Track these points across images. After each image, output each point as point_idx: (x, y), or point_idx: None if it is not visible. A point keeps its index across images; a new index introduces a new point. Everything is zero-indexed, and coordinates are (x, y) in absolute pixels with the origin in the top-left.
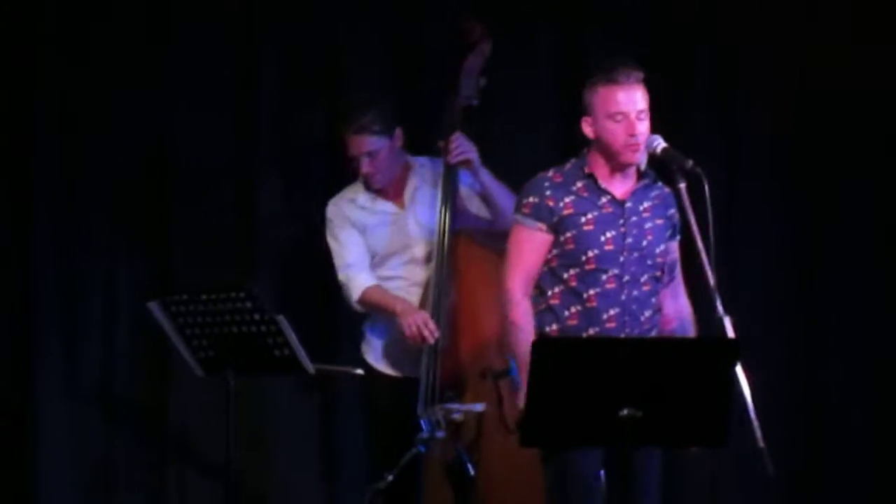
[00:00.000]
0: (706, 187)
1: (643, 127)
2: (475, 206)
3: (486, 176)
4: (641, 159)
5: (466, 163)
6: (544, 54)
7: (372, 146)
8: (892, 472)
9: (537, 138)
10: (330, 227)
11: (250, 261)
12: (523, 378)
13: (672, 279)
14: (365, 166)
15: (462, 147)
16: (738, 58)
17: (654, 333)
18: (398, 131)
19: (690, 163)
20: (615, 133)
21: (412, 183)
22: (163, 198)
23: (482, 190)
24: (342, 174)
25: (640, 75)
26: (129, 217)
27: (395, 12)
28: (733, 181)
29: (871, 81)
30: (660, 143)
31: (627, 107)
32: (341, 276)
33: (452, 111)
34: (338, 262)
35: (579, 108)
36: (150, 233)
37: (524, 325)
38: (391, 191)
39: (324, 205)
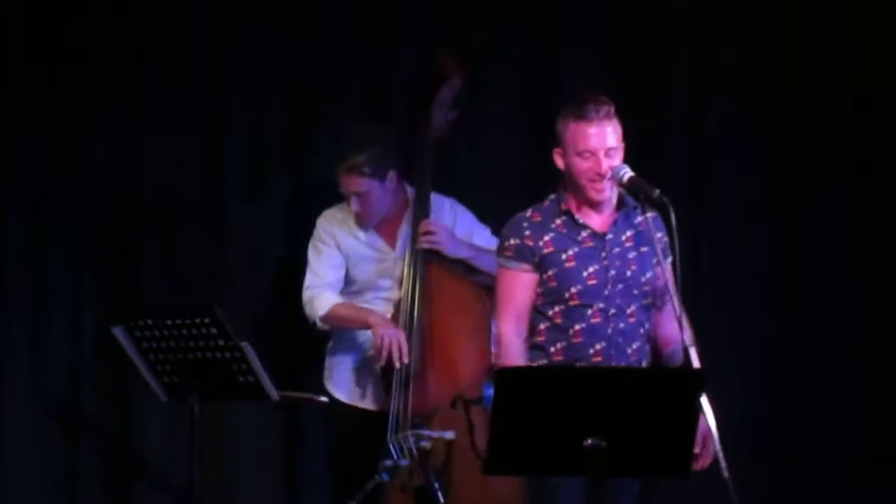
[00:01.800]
0: (672, 216)
1: (612, 162)
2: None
3: (467, 251)
4: (608, 196)
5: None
6: (514, 76)
7: (361, 187)
8: (866, 483)
9: (507, 166)
10: (315, 238)
11: (216, 285)
12: None
13: (664, 303)
14: (354, 204)
15: (432, 234)
16: (709, 84)
17: (644, 363)
18: (392, 174)
19: (657, 192)
20: (581, 169)
21: (407, 222)
22: (131, 220)
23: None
24: (313, 202)
25: (611, 109)
26: (97, 241)
27: (370, 38)
28: (702, 207)
29: (848, 100)
30: (626, 172)
31: (595, 144)
32: (306, 296)
33: (423, 143)
34: (308, 278)
35: (550, 134)
36: (119, 255)
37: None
38: (385, 226)
39: (292, 232)
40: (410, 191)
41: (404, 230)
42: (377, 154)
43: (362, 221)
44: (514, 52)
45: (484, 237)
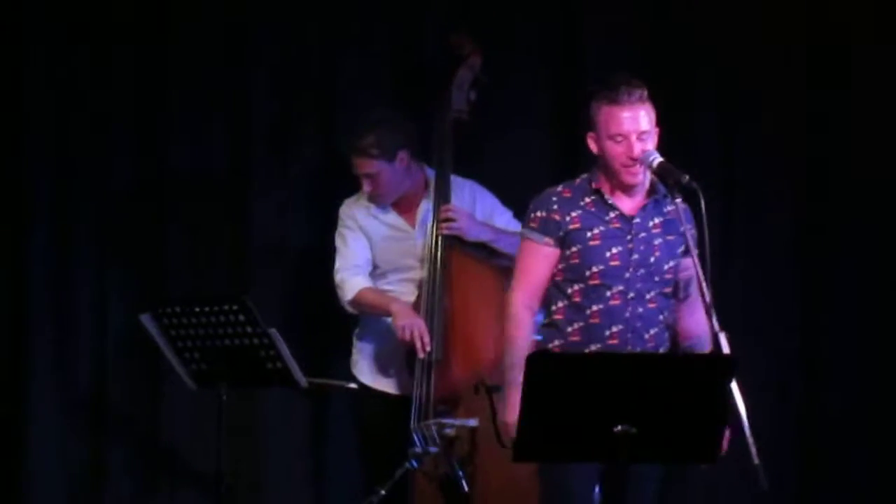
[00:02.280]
0: (702, 202)
1: (645, 146)
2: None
3: (488, 234)
4: (642, 179)
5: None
6: (539, 61)
7: (370, 168)
8: (890, 490)
9: (530, 148)
10: (340, 227)
11: (244, 273)
12: (508, 393)
13: (688, 295)
14: (366, 186)
15: (452, 218)
16: (738, 66)
17: (661, 350)
18: (402, 154)
19: (686, 177)
20: (614, 153)
21: (426, 203)
22: (158, 210)
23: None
24: (337, 188)
25: (644, 92)
26: (123, 229)
27: (391, 26)
28: (732, 195)
29: (872, 91)
30: (656, 158)
31: (628, 127)
32: (338, 278)
33: (443, 125)
34: (339, 262)
35: (575, 123)
36: (144, 245)
37: (516, 339)
38: (404, 205)
39: (317, 219)
40: (430, 172)
41: (424, 210)
42: (384, 135)
43: (376, 202)
44: (539, 33)
45: (504, 220)
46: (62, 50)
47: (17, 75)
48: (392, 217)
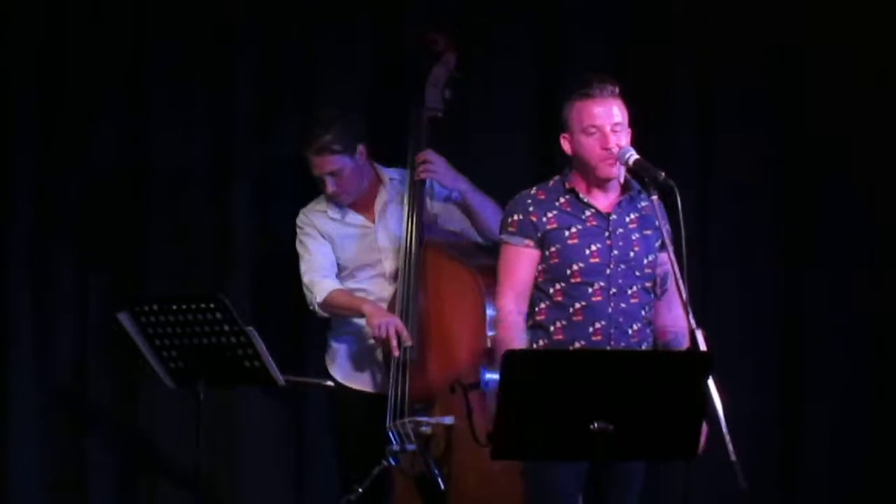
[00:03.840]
0: (678, 199)
1: (619, 140)
2: (457, 219)
3: (464, 184)
4: (618, 173)
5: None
6: (521, 62)
7: (333, 165)
8: (865, 486)
9: (513, 149)
10: (299, 235)
11: (222, 270)
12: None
13: (665, 291)
14: (330, 185)
15: (430, 163)
16: (715, 66)
17: (644, 346)
18: (361, 148)
19: (663, 174)
20: (590, 147)
21: (383, 196)
22: (135, 207)
23: (463, 200)
24: (315, 184)
25: (615, 88)
26: (101, 226)
27: (373, 22)
28: (708, 191)
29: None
30: (632, 155)
31: (602, 120)
32: (306, 280)
33: (419, 123)
34: (304, 267)
35: (557, 120)
36: (122, 242)
37: (511, 342)
38: (361, 204)
39: (297, 215)
40: (389, 172)
41: (381, 203)
42: (342, 131)
43: (340, 201)
44: (519, 33)
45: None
46: (45, 43)
47: (0, 69)
48: (351, 216)
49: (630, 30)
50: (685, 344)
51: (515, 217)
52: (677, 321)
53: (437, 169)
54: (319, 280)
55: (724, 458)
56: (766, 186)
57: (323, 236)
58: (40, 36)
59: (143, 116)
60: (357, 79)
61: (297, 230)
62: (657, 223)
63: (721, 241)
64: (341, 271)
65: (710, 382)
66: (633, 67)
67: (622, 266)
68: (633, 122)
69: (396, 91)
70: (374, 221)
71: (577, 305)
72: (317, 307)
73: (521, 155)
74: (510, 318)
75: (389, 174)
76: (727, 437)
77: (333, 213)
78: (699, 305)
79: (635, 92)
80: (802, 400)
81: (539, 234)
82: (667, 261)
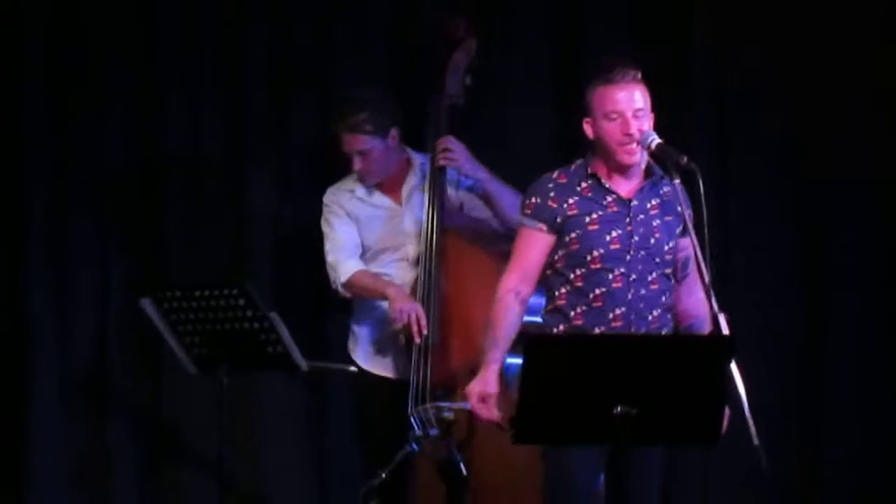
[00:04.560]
0: (700, 183)
1: (642, 125)
2: (480, 207)
3: (482, 172)
4: (639, 159)
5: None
6: (539, 50)
7: (363, 145)
8: (887, 471)
9: (532, 136)
10: (325, 213)
11: (243, 256)
12: (483, 369)
13: (686, 276)
14: (357, 163)
15: (450, 151)
16: (735, 51)
17: (664, 332)
18: (393, 131)
19: (685, 159)
20: (610, 132)
21: (411, 180)
22: (155, 193)
23: (482, 189)
24: (334, 170)
25: (638, 74)
26: (122, 213)
27: (390, 7)
28: (729, 176)
29: (871, 76)
30: (654, 139)
31: (623, 105)
32: (331, 259)
33: (438, 110)
34: (328, 245)
35: (576, 106)
36: (143, 228)
37: (498, 321)
38: (389, 185)
39: (316, 200)
40: (419, 157)
41: (409, 187)
42: (377, 112)
43: (364, 180)
44: (537, 19)
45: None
46: (59, 32)
47: (14, 57)
48: (378, 197)
49: (650, 10)
50: (706, 328)
51: (534, 199)
52: (698, 305)
53: (457, 157)
54: (344, 260)
55: (746, 441)
56: (786, 170)
57: (349, 216)
58: (52, 26)
59: (158, 105)
60: (374, 65)
61: (324, 208)
62: (679, 208)
63: (742, 226)
64: (364, 253)
65: (733, 366)
66: (651, 49)
67: (642, 252)
68: (653, 106)
69: (415, 78)
70: (401, 204)
71: (598, 291)
72: (340, 287)
73: (537, 138)
74: (504, 298)
75: (420, 158)
76: (750, 421)
77: (361, 192)
78: (718, 290)
79: (652, 75)
80: (823, 384)
81: (558, 220)
82: (688, 246)
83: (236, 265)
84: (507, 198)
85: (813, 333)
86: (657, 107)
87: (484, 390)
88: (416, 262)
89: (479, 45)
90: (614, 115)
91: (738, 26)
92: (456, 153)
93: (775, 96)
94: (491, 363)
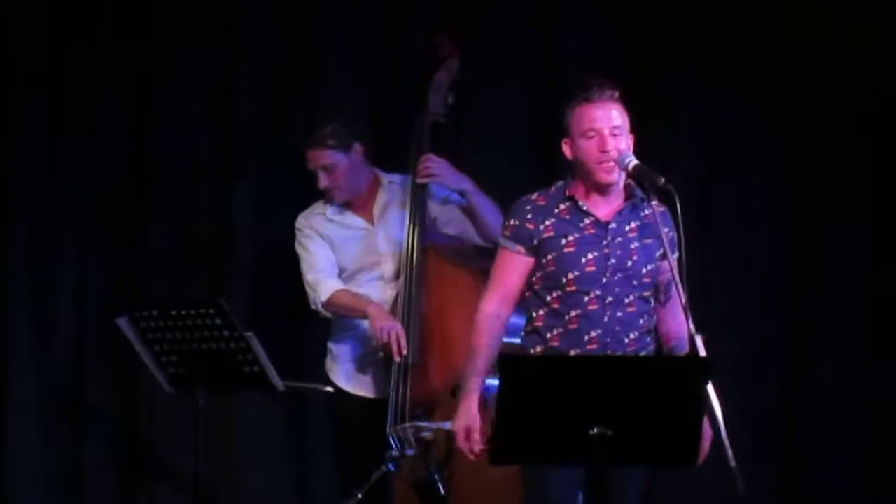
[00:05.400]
0: (678, 204)
1: (618, 143)
2: (455, 221)
3: (467, 184)
4: (617, 178)
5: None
6: (520, 66)
7: (327, 160)
8: (866, 490)
9: (512, 153)
10: (299, 237)
11: (223, 273)
12: (462, 400)
13: (669, 298)
14: (322, 180)
15: (430, 167)
16: (719, 63)
17: (642, 355)
18: (357, 146)
19: (662, 180)
20: (588, 150)
21: (381, 199)
22: (137, 207)
23: (466, 202)
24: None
25: (615, 93)
26: (103, 225)
27: (379, 24)
28: (711, 193)
29: (861, 82)
30: (632, 160)
31: (600, 123)
32: (310, 278)
33: (421, 127)
34: (305, 266)
35: (556, 125)
36: (123, 242)
37: (478, 347)
38: (359, 205)
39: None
40: (392, 176)
41: (380, 205)
42: (340, 126)
43: (332, 197)
44: (519, 37)
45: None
46: (49, 42)
47: (5, 62)
48: (350, 218)
49: (629, 27)
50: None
51: (513, 222)
52: (681, 327)
53: (440, 171)
54: (324, 279)
55: (725, 463)
56: (769, 187)
57: (322, 238)
58: (43, 38)
59: (146, 118)
60: (362, 82)
61: (297, 232)
62: (662, 231)
63: (723, 245)
64: (341, 274)
65: (710, 388)
66: (630, 67)
67: (619, 275)
68: (633, 126)
69: (400, 95)
70: (373, 223)
71: (573, 314)
72: (320, 306)
73: (517, 155)
74: (483, 323)
75: (389, 177)
76: (726, 443)
77: (332, 214)
78: (699, 308)
79: (632, 93)
80: (804, 402)
81: (535, 242)
82: (669, 269)
83: (216, 282)
84: (490, 211)
85: (793, 354)
86: (643, 125)
87: (469, 425)
88: (393, 279)
89: (463, 63)
90: (591, 133)
91: (719, 38)
92: (438, 168)
93: (763, 112)
94: (471, 393)
